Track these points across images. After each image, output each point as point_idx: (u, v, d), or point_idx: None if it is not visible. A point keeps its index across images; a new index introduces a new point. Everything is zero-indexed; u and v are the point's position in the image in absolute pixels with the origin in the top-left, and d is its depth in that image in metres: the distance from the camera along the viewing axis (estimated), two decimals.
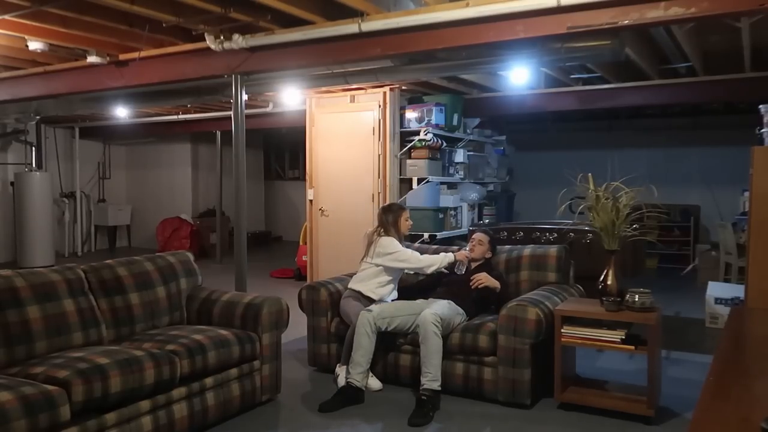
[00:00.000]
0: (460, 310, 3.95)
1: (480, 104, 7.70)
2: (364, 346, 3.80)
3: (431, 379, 3.64)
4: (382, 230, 4.30)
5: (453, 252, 4.33)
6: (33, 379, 2.74)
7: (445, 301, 3.96)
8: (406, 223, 4.38)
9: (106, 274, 3.59)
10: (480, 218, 8.00)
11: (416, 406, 3.58)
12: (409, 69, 5.40)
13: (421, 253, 4.39)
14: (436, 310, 3.79)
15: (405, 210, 4.42)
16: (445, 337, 3.77)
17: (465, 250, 4.32)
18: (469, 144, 7.74)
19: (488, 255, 4.29)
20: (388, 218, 4.33)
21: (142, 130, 10.63)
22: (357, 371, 3.78)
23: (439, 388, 3.66)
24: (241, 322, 3.71)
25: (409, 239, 6.54)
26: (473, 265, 4.25)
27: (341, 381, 3.98)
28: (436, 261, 4.20)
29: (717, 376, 2.02)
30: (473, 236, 4.35)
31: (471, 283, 4.00)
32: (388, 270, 4.23)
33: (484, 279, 4.01)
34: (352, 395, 3.76)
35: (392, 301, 4.23)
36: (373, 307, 3.96)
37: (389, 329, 3.87)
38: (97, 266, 3.62)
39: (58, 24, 4.63)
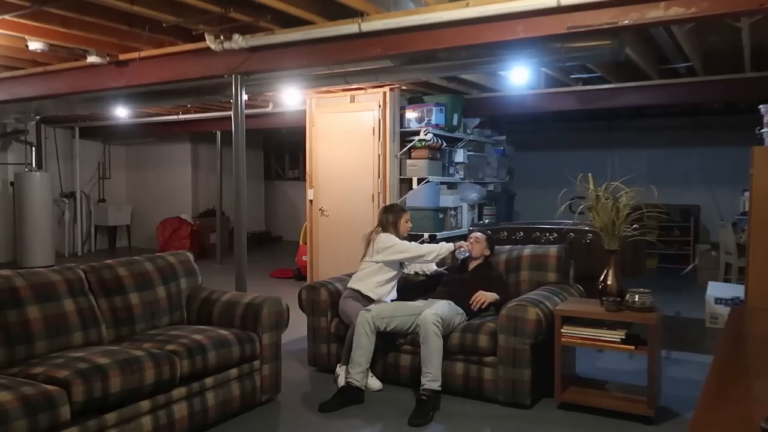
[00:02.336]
0: (460, 310, 3.95)
1: (480, 104, 7.70)
2: (363, 345, 3.80)
3: (431, 379, 3.64)
4: (380, 229, 4.31)
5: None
6: (33, 379, 2.74)
7: (445, 302, 3.96)
8: (405, 225, 4.38)
9: (106, 274, 3.59)
10: (480, 218, 8.01)
11: (416, 406, 3.58)
12: (409, 69, 5.40)
13: None
14: (437, 310, 3.79)
15: (406, 212, 4.43)
16: (445, 337, 3.77)
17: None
18: (469, 144, 7.74)
19: (486, 253, 4.29)
20: (389, 218, 4.34)
21: (142, 130, 10.63)
22: (357, 371, 3.78)
23: (440, 389, 3.66)
24: (241, 322, 3.71)
25: (409, 239, 6.54)
26: (472, 264, 4.25)
27: (341, 381, 3.98)
28: (435, 248, 4.21)
29: (717, 376, 2.01)
30: (470, 235, 4.37)
31: (472, 306, 3.97)
32: (387, 267, 4.23)
33: (483, 298, 3.98)
34: (351, 395, 3.76)
35: (391, 301, 4.23)
36: (372, 306, 3.96)
37: (388, 329, 3.87)
38: (97, 266, 3.62)
39: (58, 24, 4.63)
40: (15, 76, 6.47)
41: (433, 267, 4.48)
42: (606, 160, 4.08)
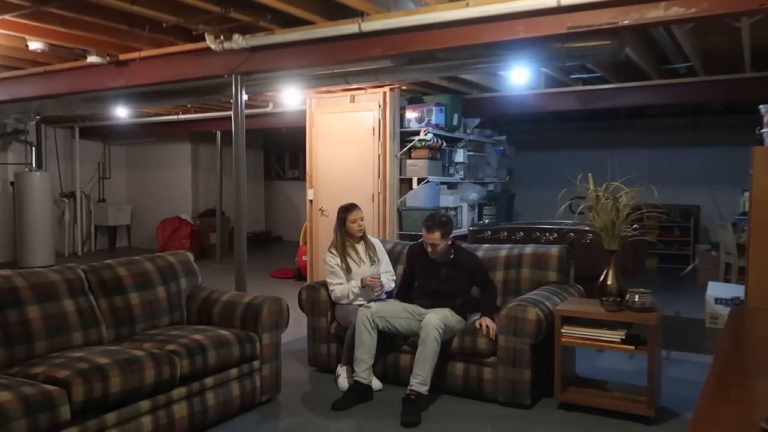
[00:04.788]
0: (459, 318, 3.90)
1: (480, 104, 7.70)
2: (365, 342, 3.80)
3: (421, 382, 3.60)
4: (331, 245, 4.29)
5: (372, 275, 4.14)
6: (33, 379, 2.74)
7: (447, 309, 3.85)
8: (353, 225, 4.25)
9: (106, 274, 3.59)
10: (480, 218, 8.00)
11: (406, 405, 3.53)
12: (409, 69, 5.40)
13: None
14: (441, 318, 3.70)
15: (353, 211, 4.27)
16: (446, 342, 3.74)
17: (379, 272, 4.18)
18: (469, 144, 7.74)
19: (448, 242, 3.94)
20: (336, 224, 4.29)
21: (142, 130, 10.63)
22: (362, 368, 3.78)
23: (427, 393, 3.62)
24: (241, 322, 3.71)
25: (409, 239, 6.54)
26: (440, 258, 4.00)
27: (342, 381, 3.99)
28: (344, 294, 4.13)
29: (717, 376, 2.01)
30: (426, 239, 3.93)
31: (485, 332, 3.72)
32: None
33: (489, 325, 3.74)
34: (362, 392, 3.76)
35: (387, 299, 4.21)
36: (371, 304, 3.97)
37: (388, 329, 3.87)
38: (97, 266, 3.62)
39: (58, 24, 4.63)
40: (15, 76, 6.47)
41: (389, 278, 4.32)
42: (606, 160, 4.07)
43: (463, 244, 4.53)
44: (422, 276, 4.10)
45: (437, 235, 3.86)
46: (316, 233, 7.44)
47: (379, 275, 4.16)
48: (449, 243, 3.95)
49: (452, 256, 3.99)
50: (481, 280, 4.05)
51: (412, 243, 4.43)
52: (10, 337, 3.00)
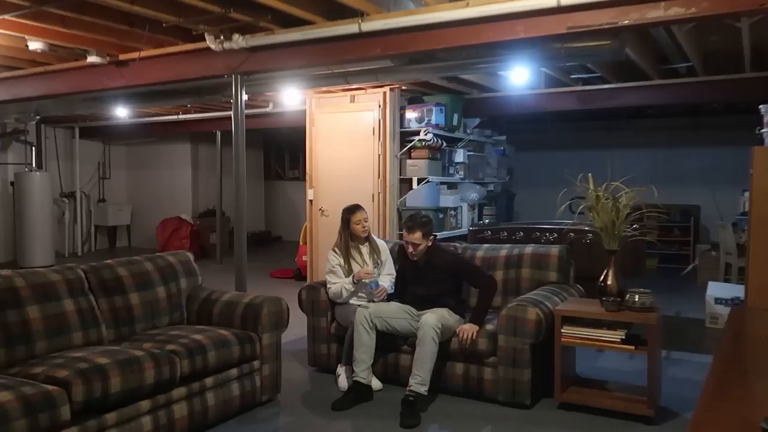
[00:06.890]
0: (458, 317, 3.91)
1: (480, 104, 7.71)
2: (364, 342, 3.80)
3: (420, 382, 3.60)
4: (335, 245, 4.28)
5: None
6: (33, 379, 2.74)
7: (445, 309, 3.86)
8: (357, 227, 4.21)
9: (106, 274, 3.59)
10: (480, 218, 8.01)
11: (405, 407, 3.53)
12: (409, 69, 5.40)
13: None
14: (439, 318, 3.71)
15: (356, 213, 4.23)
16: (445, 342, 3.74)
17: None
18: (469, 144, 7.74)
19: (429, 243, 3.98)
20: (341, 225, 4.26)
21: (142, 130, 10.63)
22: (361, 368, 3.78)
23: (426, 393, 3.62)
24: (241, 322, 3.71)
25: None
26: (421, 261, 4.03)
27: (342, 381, 3.99)
28: (338, 292, 4.12)
29: (717, 376, 2.01)
30: (407, 239, 3.99)
31: (460, 338, 3.72)
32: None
33: (470, 331, 3.71)
34: (361, 392, 3.76)
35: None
36: (369, 304, 3.96)
37: (387, 329, 3.86)
38: (97, 266, 3.62)
39: (58, 24, 4.63)
40: (15, 76, 6.47)
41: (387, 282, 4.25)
42: (606, 160, 4.08)
43: (461, 243, 4.51)
44: (410, 281, 4.14)
45: (418, 235, 3.93)
46: (316, 233, 7.44)
47: (378, 274, 4.16)
48: (429, 244, 3.99)
49: (427, 257, 4.02)
50: (468, 275, 4.04)
51: (401, 243, 4.39)
52: (10, 337, 3.00)
